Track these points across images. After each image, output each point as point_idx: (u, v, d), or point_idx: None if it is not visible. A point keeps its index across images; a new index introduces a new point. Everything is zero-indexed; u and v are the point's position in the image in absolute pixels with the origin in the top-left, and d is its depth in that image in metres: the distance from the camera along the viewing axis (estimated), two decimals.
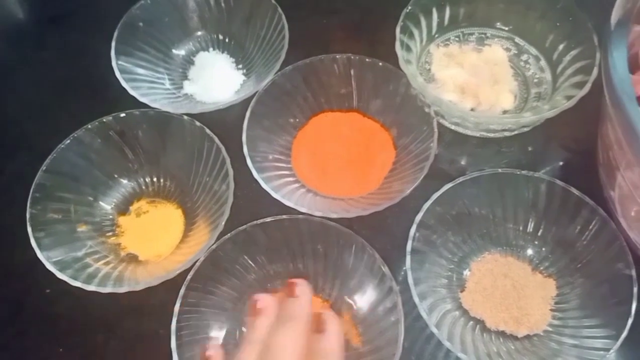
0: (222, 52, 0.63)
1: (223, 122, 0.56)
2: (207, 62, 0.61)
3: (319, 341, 0.35)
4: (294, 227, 0.48)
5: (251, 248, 0.49)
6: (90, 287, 0.46)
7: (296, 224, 0.48)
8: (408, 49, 0.55)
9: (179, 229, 0.53)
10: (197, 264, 0.46)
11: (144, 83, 0.58)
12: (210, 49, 0.63)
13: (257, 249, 0.49)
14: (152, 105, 0.54)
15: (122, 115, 0.53)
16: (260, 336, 0.35)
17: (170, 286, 0.47)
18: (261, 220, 0.48)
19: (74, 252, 0.50)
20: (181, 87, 0.61)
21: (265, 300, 0.37)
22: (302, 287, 0.37)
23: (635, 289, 0.44)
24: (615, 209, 0.47)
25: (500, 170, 0.50)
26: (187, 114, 0.53)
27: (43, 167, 0.51)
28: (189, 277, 0.46)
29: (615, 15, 0.42)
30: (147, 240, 0.53)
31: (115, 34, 0.58)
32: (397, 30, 0.54)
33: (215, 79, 0.60)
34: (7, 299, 0.52)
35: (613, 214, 0.47)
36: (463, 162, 0.57)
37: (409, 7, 0.56)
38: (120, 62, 0.57)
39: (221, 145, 0.51)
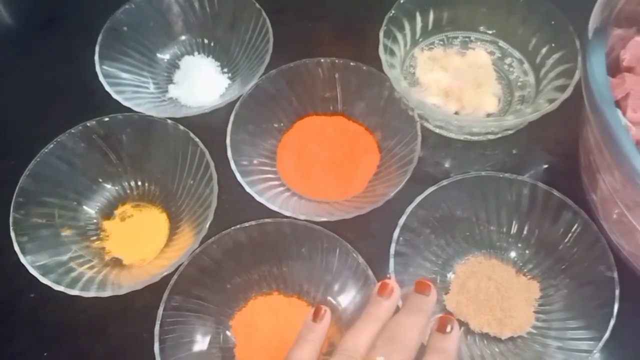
0: (207, 56, 0.63)
1: (207, 126, 0.56)
2: (192, 66, 0.62)
3: (441, 340, 0.36)
4: (278, 230, 0.48)
5: (235, 252, 0.49)
6: (74, 292, 0.46)
7: (280, 227, 0.48)
8: (392, 53, 0.55)
9: (164, 233, 0.53)
10: (181, 268, 0.46)
11: (128, 87, 0.58)
12: (195, 53, 0.63)
13: (242, 253, 0.49)
14: (136, 109, 0.54)
15: (106, 119, 0.53)
16: (382, 315, 0.37)
17: (155, 290, 0.47)
18: (246, 224, 0.48)
19: (58, 257, 0.50)
20: (166, 91, 0.61)
21: (394, 283, 0.39)
22: (433, 287, 0.38)
23: (617, 291, 0.44)
24: (597, 212, 0.47)
25: (483, 173, 0.50)
26: (171, 118, 0.53)
27: (26, 172, 0.51)
28: (172, 281, 0.46)
29: (593, 22, 0.43)
30: (132, 244, 0.53)
31: (99, 38, 0.58)
32: (381, 34, 0.54)
33: (200, 83, 0.60)
34: None
35: (595, 217, 0.48)
36: (447, 165, 0.57)
37: (393, 12, 0.56)
38: (104, 67, 0.57)
39: (205, 149, 0.51)
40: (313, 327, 0.39)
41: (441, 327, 0.36)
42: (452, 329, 0.36)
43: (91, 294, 0.46)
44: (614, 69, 0.50)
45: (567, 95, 0.50)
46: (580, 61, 0.51)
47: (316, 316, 0.39)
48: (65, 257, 0.50)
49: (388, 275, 0.46)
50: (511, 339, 0.48)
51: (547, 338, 0.47)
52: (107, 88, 0.55)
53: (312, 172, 0.55)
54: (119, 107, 0.55)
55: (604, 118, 0.39)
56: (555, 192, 0.49)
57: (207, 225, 0.48)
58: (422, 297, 0.38)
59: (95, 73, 0.57)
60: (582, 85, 0.42)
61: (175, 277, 0.46)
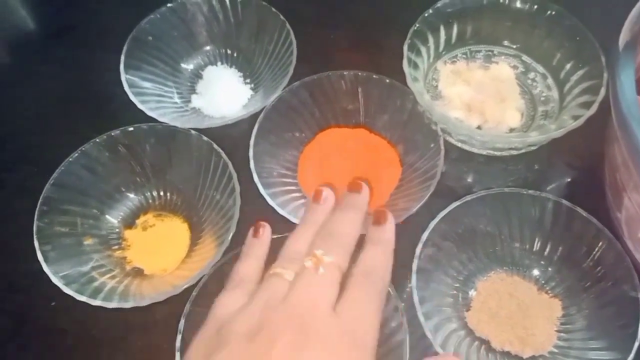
0: (230, 67, 0.63)
1: (230, 136, 0.56)
2: (215, 76, 0.62)
3: (377, 231, 0.38)
4: None
5: None
6: (96, 302, 0.46)
7: None
8: (415, 66, 0.55)
9: (185, 243, 0.53)
10: (203, 280, 0.46)
11: (152, 97, 0.58)
12: (219, 63, 0.63)
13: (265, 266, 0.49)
14: (160, 119, 0.54)
15: (130, 129, 0.54)
16: (317, 218, 0.39)
17: (175, 301, 0.47)
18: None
19: (80, 266, 0.50)
20: (189, 101, 0.61)
21: (328, 190, 0.40)
22: (365, 185, 0.41)
23: None
24: (622, 230, 0.47)
25: (506, 189, 0.50)
26: (194, 129, 0.53)
27: (51, 181, 0.51)
28: (194, 293, 0.46)
29: (623, 38, 0.43)
30: (153, 254, 0.53)
31: (125, 48, 0.58)
32: (405, 48, 0.54)
33: (223, 93, 0.60)
34: (10, 312, 0.52)
35: (620, 236, 0.47)
36: (469, 180, 0.57)
37: (417, 25, 0.56)
38: (129, 76, 0.57)
39: (228, 161, 0.51)
40: (254, 242, 0.41)
41: (376, 220, 0.39)
42: (386, 220, 0.38)
43: (113, 304, 0.46)
44: None
45: (593, 112, 0.50)
46: (608, 77, 0.50)
47: (256, 231, 0.41)
48: (87, 267, 0.50)
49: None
50: (532, 357, 0.47)
51: (568, 358, 0.46)
52: (132, 98, 0.55)
53: (333, 185, 0.55)
54: (139, 116, 0.55)
55: (632, 136, 0.38)
56: (579, 210, 0.48)
57: (230, 237, 0.48)
58: (355, 194, 0.40)
59: (116, 81, 0.57)
60: (610, 102, 0.42)
61: (196, 289, 0.46)
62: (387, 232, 0.38)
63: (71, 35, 0.69)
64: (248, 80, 0.62)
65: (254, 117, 0.55)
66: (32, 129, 0.63)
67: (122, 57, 0.57)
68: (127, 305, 0.46)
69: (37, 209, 0.50)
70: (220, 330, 0.34)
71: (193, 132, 0.53)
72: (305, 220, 0.39)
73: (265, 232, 0.42)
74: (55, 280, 0.47)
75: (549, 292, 0.50)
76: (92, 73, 0.64)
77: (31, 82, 0.66)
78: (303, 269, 0.35)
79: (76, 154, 0.52)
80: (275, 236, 0.48)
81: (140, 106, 0.55)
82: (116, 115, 0.57)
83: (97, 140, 0.53)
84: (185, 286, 0.46)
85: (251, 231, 0.42)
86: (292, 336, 0.31)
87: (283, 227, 0.49)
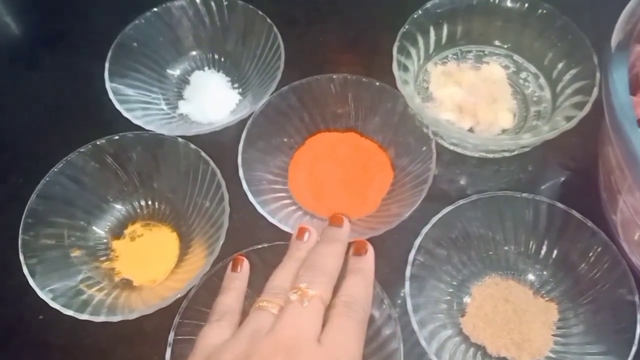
0: (218, 72, 0.62)
1: (218, 143, 0.55)
2: (203, 82, 0.61)
3: (358, 262, 0.39)
4: None
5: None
6: (83, 316, 0.45)
7: None
8: (405, 68, 0.54)
9: (174, 253, 0.52)
10: (192, 291, 0.46)
11: (138, 104, 0.57)
12: (206, 68, 0.62)
13: (254, 275, 0.48)
14: (147, 127, 0.53)
15: (116, 137, 0.53)
16: (300, 255, 0.40)
17: (165, 312, 0.46)
18: (258, 246, 0.47)
19: (68, 279, 0.49)
20: (176, 107, 0.60)
21: (310, 228, 0.42)
22: (345, 219, 0.42)
23: (638, 316, 0.43)
24: (618, 233, 0.46)
25: (500, 193, 0.49)
26: (181, 136, 0.53)
27: (36, 192, 0.50)
28: (183, 305, 0.45)
29: (615, 38, 0.42)
30: (142, 264, 0.52)
31: (109, 55, 0.57)
32: (394, 50, 0.53)
33: (211, 99, 0.59)
34: None
35: (615, 238, 0.47)
36: (462, 182, 0.56)
37: (406, 27, 0.55)
38: (113, 84, 0.56)
39: (216, 169, 0.51)
40: (234, 276, 0.43)
41: (356, 251, 0.40)
42: (366, 251, 0.40)
43: (101, 318, 0.45)
44: (634, 86, 0.48)
45: (585, 113, 0.49)
46: (600, 78, 0.49)
47: (235, 266, 0.43)
48: (74, 279, 0.49)
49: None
50: None
51: None
52: (117, 106, 0.54)
53: (324, 189, 0.54)
54: (129, 124, 0.54)
55: (626, 138, 0.38)
56: (574, 212, 0.48)
57: (219, 248, 0.47)
58: (336, 228, 0.41)
59: (103, 89, 0.56)
60: (603, 103, 0.41)
61: (186, 301, 0.45)
62: (367, 262, 0.40)
63: (58, 41, 0.68)
64: (236, 85, 0.61)
65: (242, 122, 0.54)
66: (18, 138, 0.62)
67: (107, 65, 0.56)
68: (115, 319, 0.45)
69: (22, 221, 0.49)
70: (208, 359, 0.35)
71: (180, 139, 0.52)
72: (289, 257, 0.40)
73: (244, 266, 0.44)
74: (41, 294, 0.46)
75: (545, 296, 0.49)
76: (80, 80, 0.63)
77: (16, 89, 0.65)
78: (288, 302, 0.36)
79: (61, 165, 0.51)
80: (266, 245, 0.47)
81: (125, 114, 0.54)
82: (104, 123, 0.56)
83: (83, 149, 0.52)
84: (174, 298, 0.45)
85: (230, 266, 0.44)
86: None
87: (274, 235, 0.48)
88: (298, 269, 0.39)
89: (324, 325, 0.36)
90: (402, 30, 0.55)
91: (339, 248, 0.40)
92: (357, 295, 0.37)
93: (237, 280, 0.43)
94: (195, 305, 0.45)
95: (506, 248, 0.51)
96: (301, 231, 0.42)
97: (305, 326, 0.35)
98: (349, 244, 0.41)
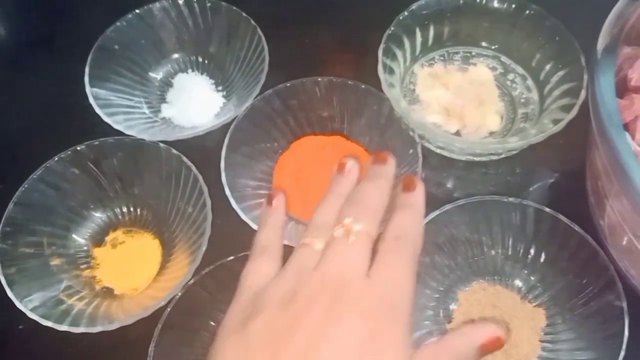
0: (202, 74, 0.61)
1: (202, 147, 0.55)
2: (186, 84, 0.60)
3: (407, 197, 0.37)
4: None
5: (232, 282, 0.47)
6: (62, 327, 0.44)
7: None
8: (391, 71, 0.54)
9: (156, 261, 0.51)
10: (174, 300, 0.45)
11: (119, 108, 0.56)
12: (189, 71, 0.61)
13: (237, 282, 0.47)
14: (127, 132, 0.52)
15: (96, 143, 0.52)
16: (342, 190, 0.38)
17: (149, 320, 0.45)
18: (240, 255, 0.46)
19: (47, 288, 0.48)
20: (159, 111, 0.59)
21: (353, 161, 0.39)
22: (391, 156, 0.39)
23: (626, 322, 0.43)
24: (606, 238, 0.46)
25: (487, 197, 0.49)
26: (163, 141, 0.52)
27: (14, 199, 0.49)
28: (164, 315, 0.44)
29: (602, 42, 0.41)
30: (123, 272, 0.51)
31: (89, 58, 0.56)
32: (380, 52, 0.53)
33: (194, 102, 0.58)
34: None
35: (603, 243, 0.46)
36: (449, 186, 0.55)
37: (392, 29, 0.54)
38: (94, 88, 0.55)
39: (199, 175, 0.50)
40: (269, 211, 0.40)
41: (406, 187, 0.37)
42: (415, 187, 0.37)
43: (81, 329, 0.44)
44: (622, 88, 0.48)
45: (573, 116, 0.49)
46: (588, 81, 0.49)
47: (270, 202, 0.41)
48: (54, 288, 0.48)
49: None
50: None
51: None
52: (98, 110, 0.53)
53: (309, 194, 0.53)
54: (111, 129, 0.53)
55: (612, 144, 0.37)
56: (561, 217, 0.47)
57: (201, 255, 0.46)
58: (381, 166, 0.39)
59: (85, 93, 0.55)
60: (589, 107, 0.40)
61: (167, 310, 0.44)
62: (418, 198, 0.37)
63: (40, 43, 0.66)
64: (220, 88, 0.60)
65: (227, 126, 0.53)
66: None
67: (87, 69, 0.55)
68: (95, 330, 0.44)
69: (0, 230, 0.48)
70: (254, 299, 0.33)
71: (162, 145, 0.51)
72: (331, 192, 0.38)
73: (280, 200, 0.41)
74: (19, 305, 0.45)
75: (532, 301, 0.48)
76: (62, 83, 0.61)
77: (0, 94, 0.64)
78: (333, 238, 0.34)
79: (40, 171, 0.50)
80: (249, 253, 0.46)
81: (106, 119, 0.53)
82: (86, 127, 0.55)
83: (62, 155, 0.51)
84: (155, 308, 0.45)
85: (265, 202, 0.41)
86: (327, 302, 0.31)
87: None
88: (341, 205, 0.36)
89: (372, 261, 0.33)
90: (388, 32, 0.54)
91: (384, 184, 0.37)
92: (407, 229, 0.35)
93: (272, 215, 0.40)
94: (177, 314, 0.45)
95: (493, 253, 0.50)
96: (341, 166, 0.39)
97: (352, 262, 0.33)
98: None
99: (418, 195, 0.37)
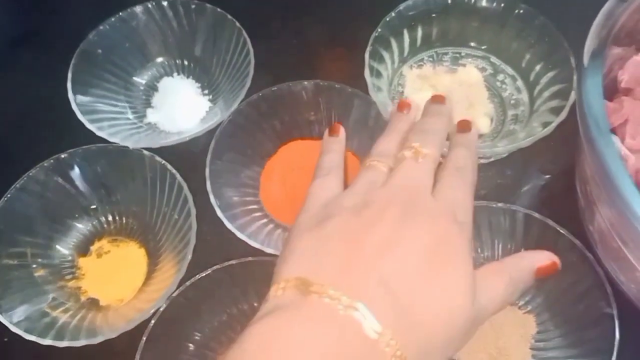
0: (187, 77, 0.60)
1: (187, 152, 0.54)
2: (172, 88, 0.59)
3: (462, 137, 0.40)
4: (260, 268, 0.46)
5: (217, 291, 0.47)
6: (46, 342, 0.44)
7: (263, 265, 0.46)
8: (378, 74, 0.53)
9: (142, 270, 0.51)
10: (159, 312, 0.44)
11: (103, 114, 0.55)
12: (175, 74, 0.60)
13: (223, 292, 0.47)
14: (111, 139, 0.51)
15: (79, 151, 0.51)
16: (402, 126, 0.41)
17: (133, 332, 0.45)
18: (226, 263, 0.46)
19: (31, 300, 0.47)
20: (144, 116, 0.58)
21: (413, 102, 0.42)
22: (447, 97, 0.42)
23: (616, 329, 0.42)
24: (595, 243, 0.45)
25: (476, 203, 0.48)
26: (147, 148, 0.51)
27: None
28: (149, 327, 0.44)
29: (589, 45, 0.40)
30: (109, 282, 0.50)
31: (72, 63, 0.55)
32: (366, 55, 0.52)
33: (180, 106, 0.57)
34: None
35: (593, 248, 0.45)
36: None
37: (378, 30, 0.53)
38: (78, 95, 0.54)
39: (183, 183, 0.49)
40: (332, 140, 0.43)
41: (461, 129, 0.41)
42: (470, 128, 0.40)
43: (64, 343, 0.44)
44: (612, 89, 0.47)
45: (562, 118, 0.48)
46: (576, 86, 0.48)
47: (332, 132, 0.44)
48: (38, 301, 0.48)
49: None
50: None
51: None
52: (81, 117, 0.52)
53: (297, 200, 0.52)
54: (95, 135, 0.52)
55: (598, 151, 0.36)
56: (550, 222, 0.46)
57: (186, 266, 0.46)
58: (439, 104, 0.42)
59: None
60: (577, 113, 0.40)
61: (152, 322, 0.44)
62: (472, 137, 0.40)
63: (24, 44, 0.65)
64: (206, 92, 0.59)
65: (213, 130, 0.52)
66: None
67: (69, 74, 0.54)
68: (79, 344, 0.44)
69: None
70: (325, 207, 0.35)
71: (145, 152, 0.50)
72: (391, 127, 0.41)
73: (340, 130, 0.44)
74: (2, 318, 0.45)
75: (522, 308, 0.48)
76: (46, 87, 0.60)
77: None
78: (402, 158, 0.37)
79: (22, 181, 0.50)
80: (234, 262, 0.46)
81: (89, 126, 0.52)
82: (70, 133, 0.54)
83: (45, 164, 0.50)
84: (139, 321, 0.44)
85: (327, 131, 0.44)
86: (399, 210, 0.33)
87: (246, 248, 0.47)
88: (400, 138, 0.39)
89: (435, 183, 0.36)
90: (374, 34, 0.53)
91: (444, 119, 0.41)
92: (465, 161, 0.38)
93: (335, 143, 0.43)
94: (162, 326, 0.44)
95: (482, 258, 0.49)
96: (402, 104, 0.42)
97: (421, 178, 0.35)
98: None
99: (473, 135, 0.40)
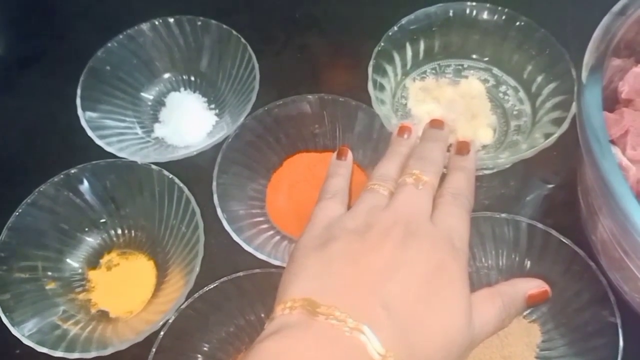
0: (194, 92, 0.61)
1: (195, 165, 0.55)
2: (179, 103, 0.60)
3: (460, 160, 0.41)
4: (267, 280, 0.47)
5: (225, 303, 0.47)
6: (58, 353, 0.45)
7: (269, 277, 0.47)
8: (382, 87, 0.53)
9: (151, 282, 0.51)
10: (167, 324, 0.45)
11: (112, 129, 0.56)
12: (182, 89, 0.61)
13: (230, 304, 0.47)
14: (119, 154, 0.52)
15: (88, 166, 0.52)
16: (402, 150, 0.42)
17: (142, 344, 0.45)
18: (234, 275, 0.47)
19: (42, 313, 0.48)
20: (152, 131, 0.59)
21: (413, 127, 0.44)
22: (445, 122, 0.44)
23: (620, 338, 0.43)
24: (598, 252, 0.46)
25: (479, 213, 0.48)
26: (155, 163, 0.52)
27: (8, 225, 0.50)
28: (158, 339, 0.44)
29: (588, 59, 0.41)
30: (119, 295, 0.51)
31: (81, 79, 0.56)
32: (370, 69, 0.52)
33: (187, 121, 0.58)
34: None
35: (596, 257, 0.46)
36: None
37: (381, 44, 0.54)
38: (87, 111, 0.55)
39: (191, 197, 0.50)
40: (340, 164, 0.44)
41: (459, 151, 0.42)
42: (468, 151, 0.42)
43: (75, 355, 0.44)
44: (612, 100, 0.48)
45: (564, 130, 0.48)
46: (576, 99, 0.49)
47: (340, 155, 0.45)
48: (49, 313, 0.48)
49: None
50: None
51: None
52: (90, 133, 0.53)
53: (303, 212, 0.53)
54: (104, 150, 0.53)
55: (598, 163, 0.37)
56: (554, 232, 0.47)
57: (194, 278, 0.46)
58: (438, 130, 0.43)
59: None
60: (577, 125, 0.40)
61: (161, 334, 0.44)
62: (470, 161, 0.42)
63: (33, 63, 0.66)
64: (212, 106, 0.60)
65: (219, 145, 0.53)
66: None
67: (78, 91, 0.55)
68: (89, 355, 0.44)
69: None
70: (328, 229, 0.36)
71: (154, 166, 0.51)
72: (392, 150, 0.42)
73: (348, 155, 0.45)
74: (14, 331, 0.46)
75: (527, 316, 0.48)
76: (55, 104, 0.61)
77: None
78: (403, 184, 0.38)
79: (33, 196, 0.51)
80: (242, 274, 0.47)
81: (98, 142, 0.53)
82: (79, 149, 0.55)
83: (55, 179, 0.51)
84: (148, 333, 0.45)
85: (334, 155, 0.45)
86: (401, 233, 0.34)
87: (253, 260, 0.48)
88: (401, 162, 0.41)
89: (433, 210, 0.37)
90: (377, 48, 0.54)
91: (442, 146, 0.42)
92: (462, 187, 0.39)
93: (342, 167, 0.44)
94: (170, 338, 0.45)
95: (486, 268, 0.50)
96: (402, 129, 0.44)
97: (420, 205, 0.37)
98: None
99: (470, 158, 0.42)
